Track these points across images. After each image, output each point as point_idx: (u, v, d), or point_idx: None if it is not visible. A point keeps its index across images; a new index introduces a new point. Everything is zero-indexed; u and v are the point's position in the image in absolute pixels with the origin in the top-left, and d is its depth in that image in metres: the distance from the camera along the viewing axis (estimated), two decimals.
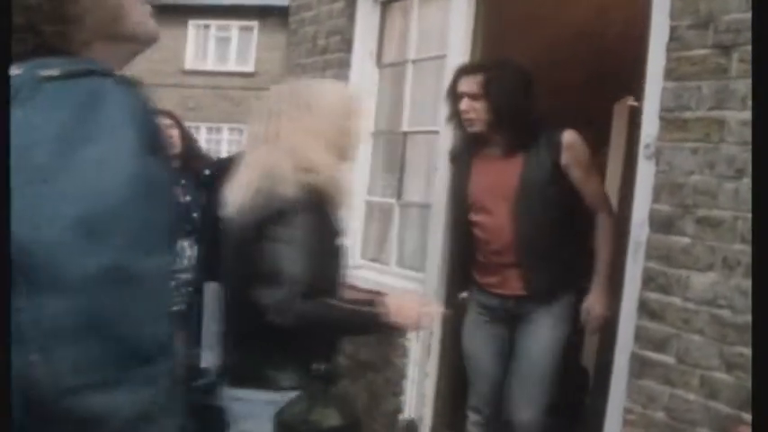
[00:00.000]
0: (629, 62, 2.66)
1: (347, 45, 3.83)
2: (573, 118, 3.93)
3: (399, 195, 3.63)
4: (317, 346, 1.75)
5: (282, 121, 1.81)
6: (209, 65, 19.49)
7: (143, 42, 1.13)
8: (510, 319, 2.66)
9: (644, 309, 2.22)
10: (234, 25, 19.29)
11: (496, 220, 2.61)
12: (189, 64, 19.57)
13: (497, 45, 3.58)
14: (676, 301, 2.12)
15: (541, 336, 2.58)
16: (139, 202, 0.85)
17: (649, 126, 2.25)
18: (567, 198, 2.58)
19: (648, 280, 2.21)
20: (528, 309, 2.59)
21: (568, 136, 2.57)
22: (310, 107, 1.82)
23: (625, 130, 3.97)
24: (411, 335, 3.29)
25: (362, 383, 3.53)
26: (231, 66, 19.14)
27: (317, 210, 1.73)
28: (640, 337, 2.22)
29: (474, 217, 2.69)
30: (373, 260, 3.80)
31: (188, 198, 3.45)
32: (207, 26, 19.70)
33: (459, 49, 3.09)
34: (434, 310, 1.95)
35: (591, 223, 2.62)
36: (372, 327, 1.82)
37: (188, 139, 3.69)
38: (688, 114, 2.11)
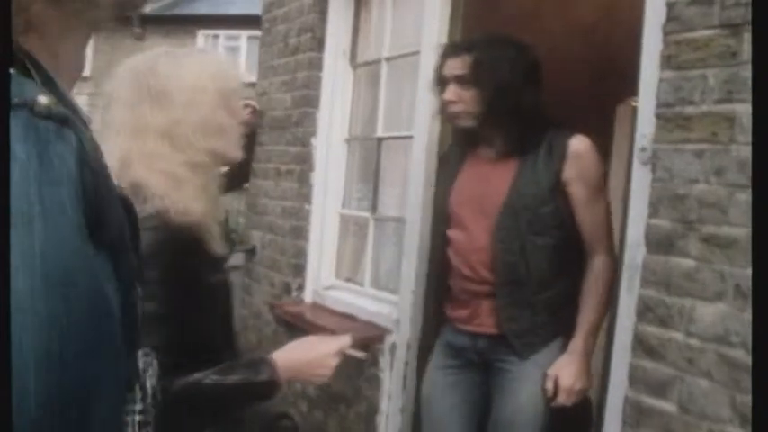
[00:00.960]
0: (635, 61, 2.25)
1: (318, 43, 3.49)
2: (575, 122, 3.60)
3: (374, 208, 3.27)
4: (205, 419, 1.36)
5: (117, 116, 1.30)
6: None
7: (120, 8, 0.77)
8: (483, 366, 2.18)
9: (640, 345, 1.84)
10: (243, 35, 19.10)
11: (472, 239, 2.13)
12: None
13: None
14: (678, 336, 1.74)
15: (522, 393, 2.08)
16: (48, 339, 0.54)
17: (645, 125, 1.88)
18: (566, 222, 2.08)
19: (645, 310, 1.83)
20: (504, 354, 2.11)
21: (577, 143, 2.06)
22: (160, 93, 1.29)
23: (629, 135, 3.60)
24: (384, 365, 2.93)
25: (334, 417, 3.17)
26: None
27: (173, 251, 1.23)
28: (636, 378, 1.84)
29: (449, 233, 2.22)
30: (348, 280, 3.44)
31: None
32: (216, 36, 19.57)
33: (433, 45, 2.73)
34: (346, 350, 1.50)
35: (580, 266, 2.12)
36: (264, 395, 1.39)
37: None
38: (690, 110, 1.74)
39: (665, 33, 1.80)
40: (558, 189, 2.05)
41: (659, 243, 1.80)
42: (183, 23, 18.25)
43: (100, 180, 0.62)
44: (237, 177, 3.91)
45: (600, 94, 3.78)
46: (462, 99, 2.09)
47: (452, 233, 2.20)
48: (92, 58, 20.28)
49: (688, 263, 1.73)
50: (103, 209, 0.62)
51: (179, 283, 1.22)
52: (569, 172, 2.04)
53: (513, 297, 2.08)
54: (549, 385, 2.06)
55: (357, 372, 3.01)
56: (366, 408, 2.96)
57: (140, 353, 0.76)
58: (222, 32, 19.21)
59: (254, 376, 1.35)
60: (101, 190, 0.62)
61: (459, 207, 2.19)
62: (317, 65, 3.50)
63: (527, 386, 2.09)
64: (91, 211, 0.59)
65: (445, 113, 2.17)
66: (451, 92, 2.09)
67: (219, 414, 1.36)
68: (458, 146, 2.31)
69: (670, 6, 1.78)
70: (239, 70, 1.47)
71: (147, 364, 0.75)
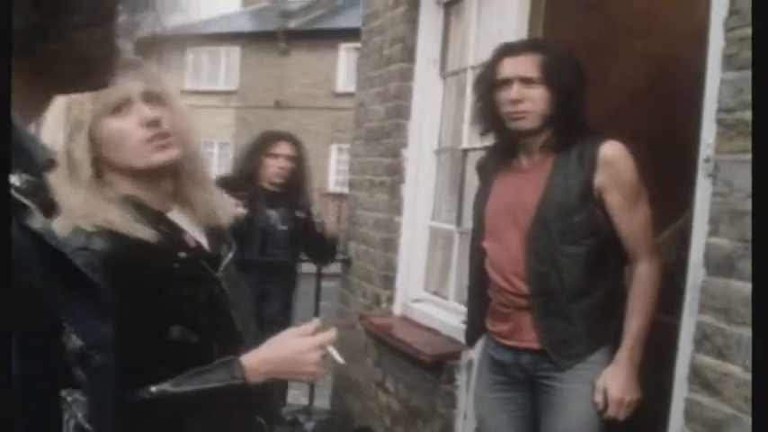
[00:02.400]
0: None
1: (409, 54, 3.46)
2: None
3: (459, 221, 3.19)
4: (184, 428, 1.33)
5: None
6: None
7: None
8: (529, 381, 2.07)
9: (696, 377, 1.65)
10: None
11: (506, 250, 2.06)
12: (340, 86, 19.98)
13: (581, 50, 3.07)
14: (736, 370, 1.55)
15: (573, 411, 1.97)
16: None
17: (707, 133, 1.69)
18: (602, 230, 1.96)
19: (702, 339, 1.64)
20: (547, 369, 2.01)
21: (609, 149, 1.94)
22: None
23: None
24: (460, 382, 2.84)
25: None
26: None
27: (103, 270, 1.17)
28: (692, 415, 1.66)
29: (485, 244, 2.15)
30: (435, 293, 3.38)
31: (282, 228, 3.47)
32: (357, 49, 19.99)
33: None
34: (327, 347, 1.38)
35: (622, 272, 2.02)
36: (236, 398, 1.33)
37: (300, 176, 3.52)
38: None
39: (727, 30, 1.62)
40: (591, 197, 1.96)
41: (719, 264, 1.61)
42: (325, 38, 18.90)
43: None
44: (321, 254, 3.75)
45: None
46: (530, 99, 1.99)
47: (487, 245, 2.14)
48: (239, 73, 21.52)
49: (749, 287, 1.53)
50: None
51: (120, 300, 1.22)
52: (602, 179, 1.94)
53: (548, 308, 1.99)
54: (599, 398, 1.94)
55: (433, 387, 2.94)
56: (441, 425, 2.88)
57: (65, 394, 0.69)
58: None
59: (222, 381, 1.31)
60: None
61: (493, 218, 2.13)
62: (407, 75, 3.48)
63: (577, 404, 1.97)
64: None
65: (506, 114, 2.04)
66: (517, 90, 1.99)
67: (191, 422, 1.34)
68: (492, 156, 2.25)
69: None
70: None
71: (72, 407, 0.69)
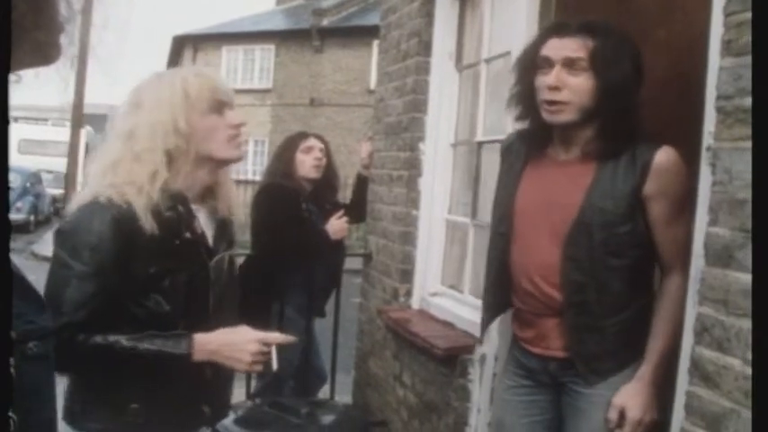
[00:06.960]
0: None
1: (425, 47, 3.46)
2: None
3: (474, 214, 3.18)
4: (126, 385, 1.48)
5: (114, 124, 1.60)
6: None
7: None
8: (555, 386, 1.98)
9: (696, 370, 1.62)
10: None
11: (537, 252, 1.90)
12: (374, 83, 19.90)
13: None
14: (735, 363, 1.51)
15: (595, 417, 1.87)
16: None
17: (709, 121, 1.66)
18: (645, 241, 1.83)
19: (702, 331, 1.61)
20: (575, 376, 1.91)
21: (663, 155, 1.79)
22: (136, 104, 1.55)
23: None
24: (474, 376, 2.83)
25: (427, 427, 3.11)
26: None
27: (108, 226, 1.45)
28: (692, 408, 1.63)
29: (511, 245, 1.97)
30: (452, 287, 3.37)
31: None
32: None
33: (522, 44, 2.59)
34: (274, 346, 1.55)
35: (650, 283, 1.92)
36: (176, 367, 1.48)
37: (331, 172, 3.69)
38: (751, 102, 1.51)
39: (726, 14, 1.58)
40: (640, 205, 1.82)
41: (717, 254, 1.58)
42: (359, 35, 18.92)
43: None
44: (354, 215, 3.96)
45: None
46: (570, 86, 1.77)
47: (514, 246, 1.96)
48: (273, 71, 21.66)
49: (747, 278, 1.50)
50: None
51: (111, 245, 1.44)
52: (651, 187, 1.80)
53: (581, 320, 1.86)
54: (613, 415, 1.84)
55: (447, 381, 2.93)
56: (455, 419, 2.87)
57: None
58: None
59: (170, 348, 1.45)
60: None
61: (523, 215, 1.94)
62: (424, 69, 3.48)
63: (602, 412, 1.87)
64: None
65: (541, 102, 1.82)
66: (555, 76, 1.77)
67: (131, 376, 1.47)
68: (522, 141, 2.02)
69: None
70: (217, 81, 1.63)
71: None
